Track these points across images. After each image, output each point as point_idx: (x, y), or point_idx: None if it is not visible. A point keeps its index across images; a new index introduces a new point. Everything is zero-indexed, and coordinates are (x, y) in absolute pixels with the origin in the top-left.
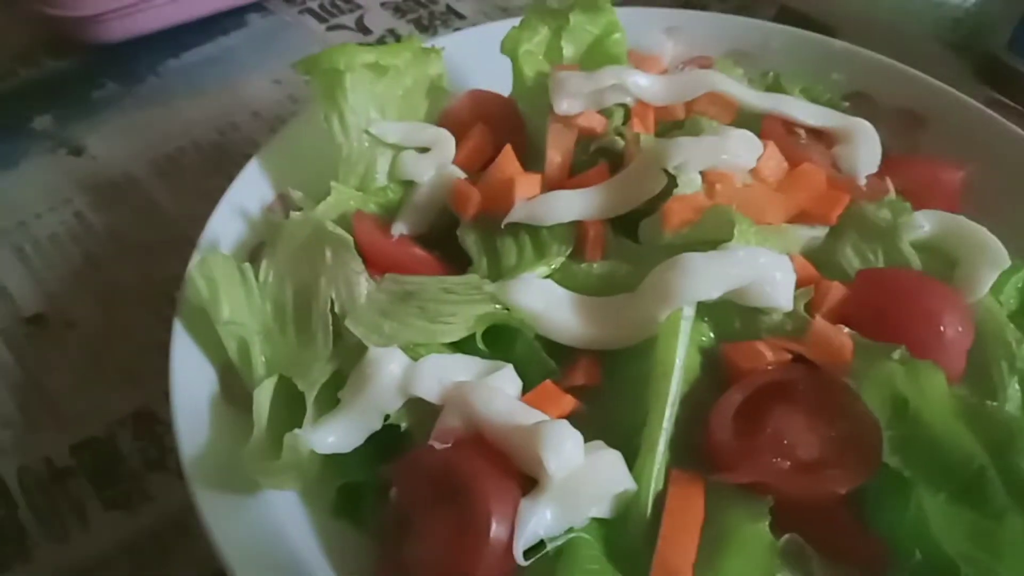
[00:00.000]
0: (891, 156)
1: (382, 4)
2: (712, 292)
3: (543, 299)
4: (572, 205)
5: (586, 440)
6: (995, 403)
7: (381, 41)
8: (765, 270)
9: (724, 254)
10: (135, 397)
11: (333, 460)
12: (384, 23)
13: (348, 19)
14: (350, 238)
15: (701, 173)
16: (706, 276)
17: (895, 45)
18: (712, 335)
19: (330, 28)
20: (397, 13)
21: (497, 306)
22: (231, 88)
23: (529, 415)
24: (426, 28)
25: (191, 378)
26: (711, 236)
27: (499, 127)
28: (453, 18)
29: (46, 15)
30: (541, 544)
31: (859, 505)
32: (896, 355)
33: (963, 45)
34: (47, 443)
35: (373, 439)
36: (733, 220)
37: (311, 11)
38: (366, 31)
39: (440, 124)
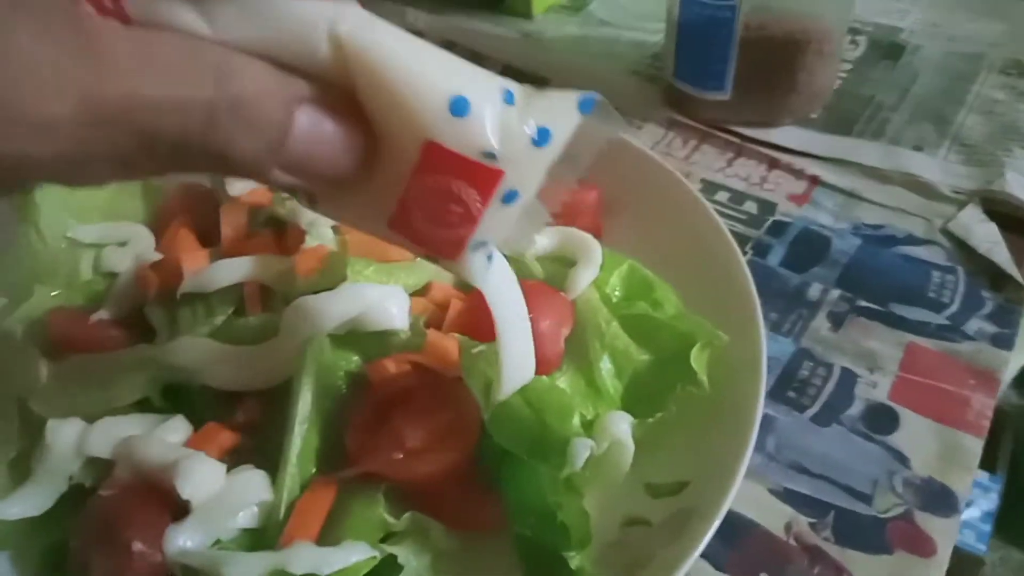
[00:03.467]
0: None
1: None
2: (328, 325)
3: (198, 354)
4: (232, 270)
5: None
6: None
7: None
8: (374, 300)
9: (334, 293)
10: None
11: (35, 523)
12: None
13: None
14: (18, 331)
15: (333, 228)
16: (320, 313)
17: (599, 83)
18: (356, 359)
19: None
20: None
21: (163, 368)
22: None
23: (175, 453)
24: None
25: None
26: (334, 279)
27: (203, 215)
28: None
29: None
30: None
31: (486, 476)
32: (477, 350)
33: (654, 77)
34: None
35: (71, 499)
36: (346, 263)
37: None
38: None
39: (157, 219)
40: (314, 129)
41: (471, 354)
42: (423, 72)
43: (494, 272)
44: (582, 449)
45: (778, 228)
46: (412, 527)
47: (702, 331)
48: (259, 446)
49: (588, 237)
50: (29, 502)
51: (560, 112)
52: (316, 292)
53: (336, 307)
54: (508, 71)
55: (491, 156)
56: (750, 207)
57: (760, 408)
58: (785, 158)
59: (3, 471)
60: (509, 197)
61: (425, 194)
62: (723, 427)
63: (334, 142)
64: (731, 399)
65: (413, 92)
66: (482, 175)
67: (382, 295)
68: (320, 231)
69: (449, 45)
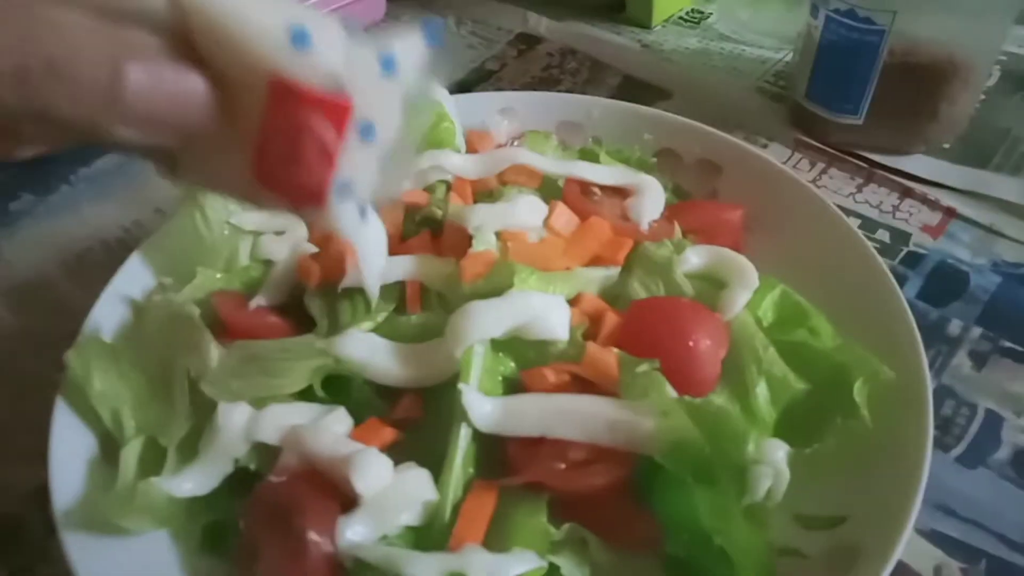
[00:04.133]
0: (687, 202)
1: None
2: (495, 331)
3: (366, 349)
4: (394, 268)
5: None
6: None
7: None
8: (538, 309)
9: (502, 299)
10: (40, 475)
11: (197, 503)
12: None
13: None
14: (197, 313)
15: (497, 233)
16: (487, 319)
17: (722, 99)
18: (513, 365)
19: None
20: None
21: (329, 359)
22: (135, 190)
23: (348, 446)
24: None
25: (70, 445)
26: (499, 285)
27: None
28: None
29: None
30: None
31: (642, 491)
32: (643, 367)
33: (779, 95)
34: None
35: (232, 481)
36: (513, 271)
37: None
38: None
39: None
40: (151, 81)
41: (634, 372)
42: (257, 7)
43: (370, 227)
44: (763, 478)
45: (913, 259)
46: (571, 538)
47: (865, 364)
48: (416, 443)
49: (742, 258)
50: (198, 481)
51: (405, 40)
52: (480, 297)
53: (505, 314)
54: (628, 81)
55: (339, 87)
56: (882, 235)
57: (929, 446)
58: (919, 187)
59: (172, 450)
60: (366, 131)
61: (279, 135)
62: (887, 463)
63: (176, 93)
64: (894, 435)
65: (250, 28)
66: (332, 106)
67: (547, 305)
68: (485, 236)
69: (570, 52)
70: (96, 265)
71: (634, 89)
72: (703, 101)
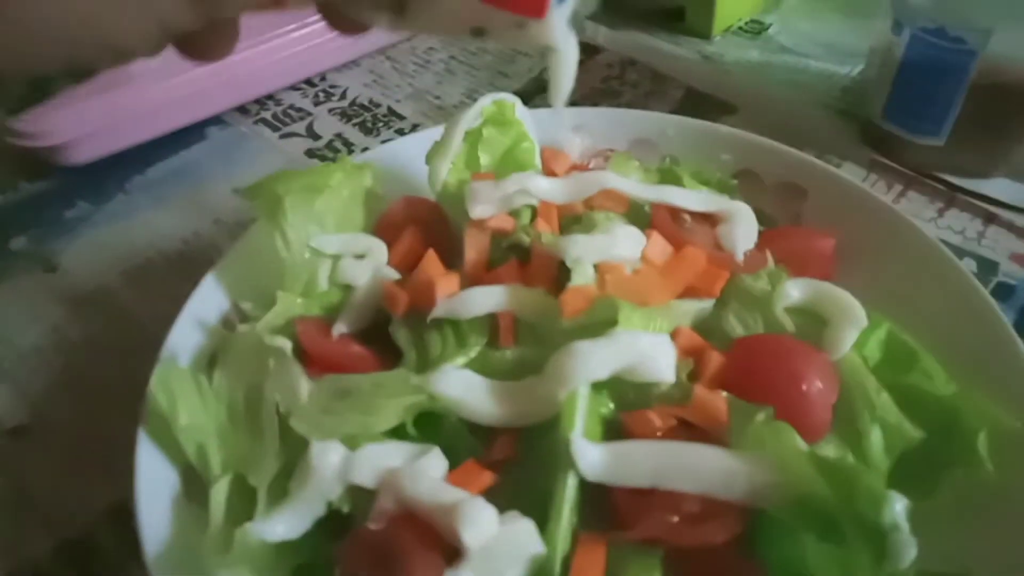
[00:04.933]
0: (773, 229)
1: (329, 111)
2: (600, 373)
3: (461, 386)
4: (486, 300)
5: (503, 509)
6: (843, 455)
7: (330, 144)
8: (645, 351)
9: (609, 340)
10: (113, 493)
11: (287, 545)
12: (332, 128)
13: (299, 126)
14: (288, 347)
15: (594, 265)
16: (594, 360)
17: (789, 115)
18: (612, 406)
19: (283, 136)
20: (343, 118)
21: (423, 396)
22: (193, 198)
23: (451, 494)
24: (370, 130)
25: (154, 480)
26: (601, 323)
27: (428, 228)
28: (394, 119)
29: (18, 146)
30: None
31: (752, 544)
32: (761, 416)
33: (849, 112)
34: (30, 544)
35: (322, 523)
36: (617, 307)
37: (265, 121)
38: (316, 136)
39: (377, 228)
40: None
41: (752, 420)
42: None
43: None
44: (909, 547)
45: (1004, 291)
46: None
47: (987, 414)
48: (511, 486)
49: (846, 294)
50: (290, 524)
51: None
52: (579, 332)
53: (611, 355)
54: (691, 94)
55: None
56: (968, 264)
57: None
58: (1004, 214)
59: (263, 491)
60: None
61: None
62: (1010, 515)
63: None
64: (1015, 484)
65: None
66: None
67: (655, 346)
68: (584, 269)
69: (630, 63)
70: (157, 275)
71: (697, 102)
72: (769, 117)
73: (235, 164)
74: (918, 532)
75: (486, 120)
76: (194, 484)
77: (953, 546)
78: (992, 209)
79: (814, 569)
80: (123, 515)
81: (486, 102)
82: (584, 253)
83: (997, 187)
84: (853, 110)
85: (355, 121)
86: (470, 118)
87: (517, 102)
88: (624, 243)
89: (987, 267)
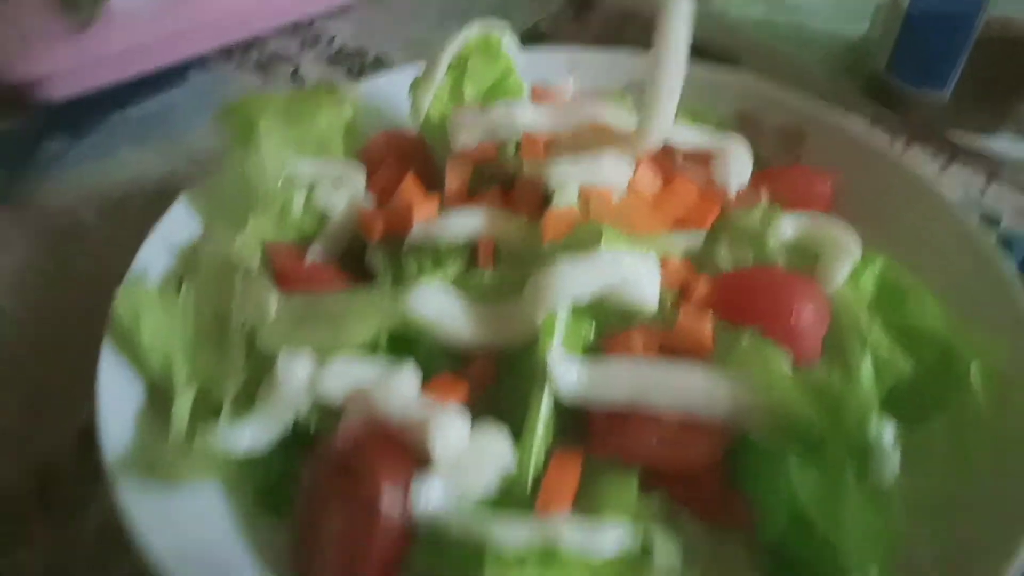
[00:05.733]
0: (771, 168)
1: (316, 57)
2: (581, 293)
3: (437, 306)
4: (465, 224)
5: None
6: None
7: None
8: (628, 271)
9: (590, 259)
10: (79, 420)
11: (251, 461)
12: (317, 75)
13: (284, 70)
14: (257, 261)
15: (579, 190)
16: (574, 279)
17: (792, 70)
18: (593, 334)
19: (266, 81)
20: (331, 64)
21: (396, 315)
22: (173, 139)
23: (424, 406)
24: (357, 77)
25: (118, 393)
26: (583, 246)
27: (409, 160)
28: (382, 68)
29: None
30: None
31: (733, 470)
32: (746, 338)
33: (853, 68)
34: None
35: (289, 442)
36: (601, 232)
37: (248, 66)
38: (301, 82)
39: (358, 161)
40: None
41: (738, 342)
42: None
43: None
44: (892, 463)
45: (1006, 245)
46: (662, 514)
47: (981, 346)
48: (488, 402)
49: (841, 229)
50: (255, 436)
51: None
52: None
53: (593, 275)
54: (692, 49)
55: None
56: None
57: None
58: (1007, 170)
59: (227, 403)
60: None
61: None
62: (1000, 449)
63: None
64: (1007, 422)
65: None
66: None
67: (638, 266)
68: (567, 192)
69: (629, 18)
70: (134, 212)
71: (699, 57)
72: (772, 71)
73: (215, 108)
74: (907, 466)
75: (472, 51)
76: (160, 398)
77: (942, 480)
78: (995, 165)
79: (799, 495)
80: (89, 440)
81: (473, 31)
82: (568, 176)
83: (1003, 144)
84: (857, 67)
85: (341, 68)
86: (455, 47)
87: (506, 34)
88: (611, 168)
89: (989, 222)
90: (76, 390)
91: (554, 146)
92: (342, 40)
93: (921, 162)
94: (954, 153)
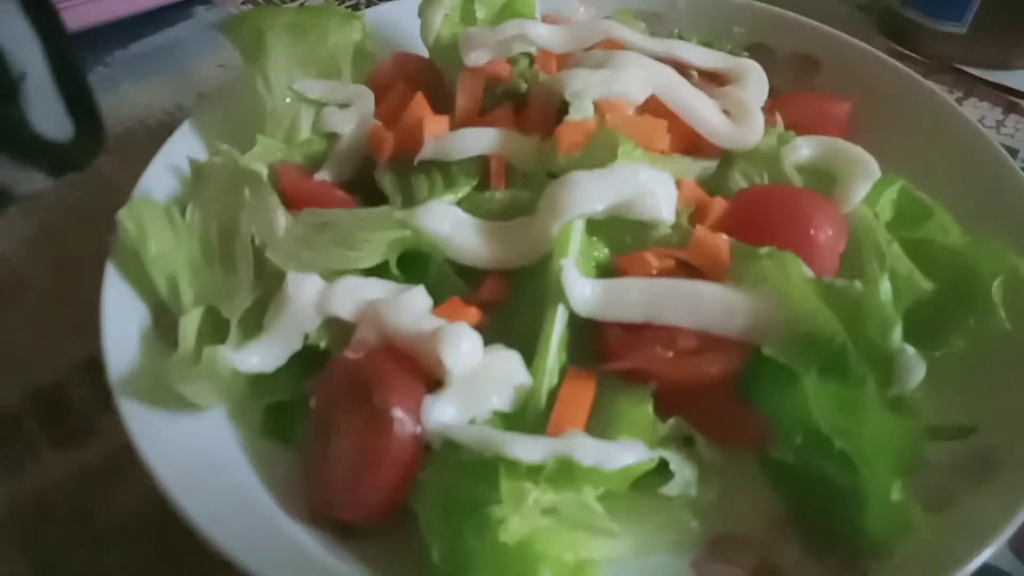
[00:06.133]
0: (785, 95)
1: None
2: (597, 205)
3: (449, 223)
4: (477, 141)
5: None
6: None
7: None
8: (645, 184)
9: (607, 171)
10: (85, 348)
11: (260, 381)
12: None
13: (290, 6)
14: (264, 174)
15: (594, 103)
16: (591, 191)
17: (805, 6)
18: (606, 250)
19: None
20: (335, 2)
21: (408, 232)
22: (177, 74)
23: (434, 323)
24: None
25: (123, 314)
26: (599, 159)
27: (419, 83)
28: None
29: None
30: None
31: (746, 389)
32: (765, 251)
33: (867, 6)
34: (2, 391)
35: (297, 361)
36: (618, 142)
37: (254, 3)
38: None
39: (367, 85)
40: None
41: (757, 255)
42: None
43: None
44: (917, 365)
45: None
46: (677, 434)
47: (1003, 260)
48: (500, 329)
49: (859, 149)
50: (264, 356)
51: None
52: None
53: (608, 187)
54: None
55: None
56: None
57: None
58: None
59: (235, 323)
60: None
61: None
62: (1021, 368)
63: None
64: None
65: None
66: None
67: (655, 180)
68: (583, 105)
69: None
70: (137, 145)
71: None
72: (785, 6)
73: (221, 44)
74: (927, 387)
75: None
76: (165, 321)
77: (962, 401)
78: (1012, 99)
79: (814, 411)
80: (94, 369)
81: None
82: (585, 87)
83: (1018, 79)
84: (872, 3)
85: (348, 4)
86: None
87: None
88: (630, 80)
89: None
90: (83, 319)
91: (568, 63)
92: None
93: None
94: (971, 87)
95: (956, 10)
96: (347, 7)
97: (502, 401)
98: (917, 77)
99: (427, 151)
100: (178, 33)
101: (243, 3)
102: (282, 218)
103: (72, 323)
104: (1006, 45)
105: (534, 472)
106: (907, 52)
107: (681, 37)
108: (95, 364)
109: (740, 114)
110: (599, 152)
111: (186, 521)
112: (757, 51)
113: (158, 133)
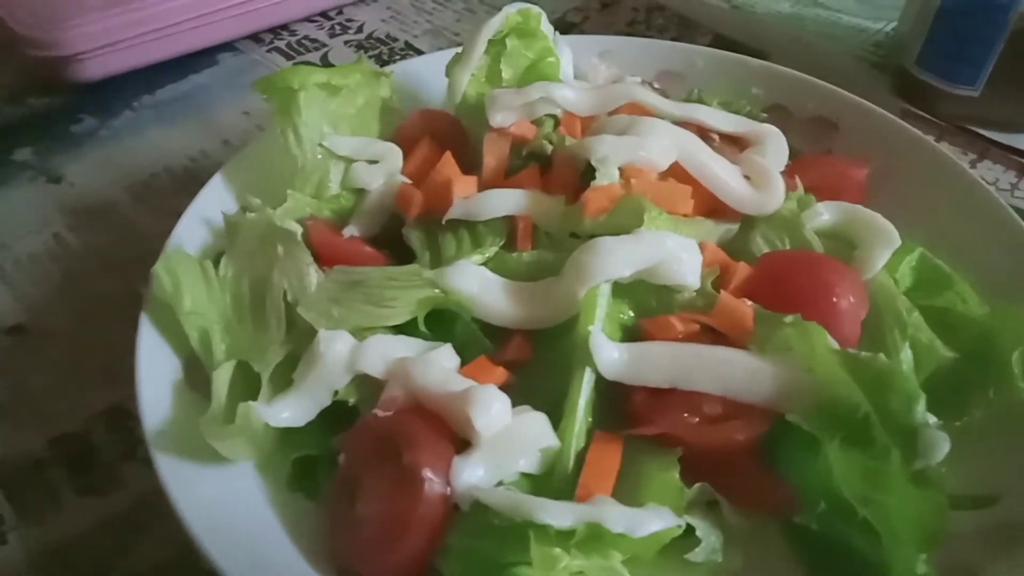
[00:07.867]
0: (804, 158)
1: (345, 43)
2: (623, 271)
3: (476, 283)
4: (504, 201)
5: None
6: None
7: None
8: (671, 251)
9: (633, 237)
10: (110, 395)
11: (288, 435)
12: (347, 60)
13: (313, 56)
14: (299, 231)
15: (620, 168)
16: (617, 256)
17: (821, 65)
18: (631, 313)
19: (296, 64)
20: (359, 50)
21: (436, 291)
22: (202, 120)
23: (462, 383)
24: (386, 63)
25: (156, 366)
26: (625, 223)
27: (445, 141)
28: (412, 54)
29: (29, 56)
30: None
31: (771, 456)
32: (789, 319)
33: (882, 64)
34: (26, 438)
35: (325, 416)
36: (643, 208)
37: (279, 50)
38: (330, 66)
39: (393, 140)
40: None
41: (778, 326)
42: None
43: None
44: (941, 440)
45: None
46: (702, 499)
47: (1021, 330)
48: (524, 389)
49: (880, 217)
50: (294, 411)
51: None
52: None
53: (635, 253)
54: (720, 40)
55: None
56: None
57: None
58: None
59: (266, 378)
60: None
61: None
62: None
63: None
64: None
65: None
66: None
67: (680, 247)
68: (609, 169)
69: (657, 8)
70: (162, 191)
71: (727, 49)
72: (800, 64)
73: (246, 90)
74: (948, 457)
75: (510, 31)
76: (196, 374)
77: (983, 470)
78: None
79: (838, 480)
80: (118, 417)
81: (511, 9)
82: (612, 153)
83: None
84: (886, 62)
85: (371, 53)
86: (494, 27)
87: (543, 14)
88: (655, 147)
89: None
90: (104, 368)
91: (593, 127)
92: (371, 27)
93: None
94: (985, 149)
95: (970, 73)
96: (370, 56)
97: (530, 463)
98: (933, 143)
99: (456, 211)
100: (203, 79)
101: (268, 51)
102: (314, 275)
103: (97, 370)
104: (1019, 108)
105: (564, 537)
106: (921, 113)
107: (701, 97)
108: (120, 412)
109: (762, 180)
110: (625, 216)
111: (217, 570)
112: (776, 112)
113: (183, 179)
